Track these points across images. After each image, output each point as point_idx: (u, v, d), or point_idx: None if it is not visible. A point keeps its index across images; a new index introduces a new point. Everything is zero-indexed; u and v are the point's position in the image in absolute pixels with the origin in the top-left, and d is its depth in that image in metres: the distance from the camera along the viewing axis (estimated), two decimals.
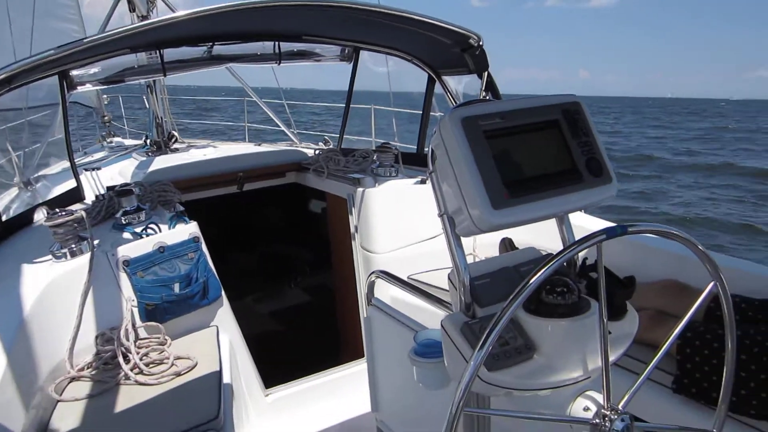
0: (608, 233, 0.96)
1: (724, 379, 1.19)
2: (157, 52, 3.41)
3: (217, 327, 2.52)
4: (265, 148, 4.60)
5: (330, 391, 2.95)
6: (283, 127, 5.67)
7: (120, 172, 3.91)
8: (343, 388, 2.96)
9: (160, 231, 2.53)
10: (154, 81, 4.90)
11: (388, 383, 2.28)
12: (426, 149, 3.83)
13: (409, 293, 1.91)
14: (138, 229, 2.52)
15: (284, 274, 4.54)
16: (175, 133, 5.07)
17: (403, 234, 3.13)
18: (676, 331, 1.09)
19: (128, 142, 5.99)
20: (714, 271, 1.08)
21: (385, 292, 2.68)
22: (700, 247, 1.05)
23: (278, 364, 2.95)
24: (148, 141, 4.98)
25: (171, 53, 3.52)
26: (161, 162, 3.89)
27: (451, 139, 1.07)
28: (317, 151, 3.90)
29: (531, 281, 0.91)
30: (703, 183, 20.67)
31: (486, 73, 3.32)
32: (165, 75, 3.61)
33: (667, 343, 1.08)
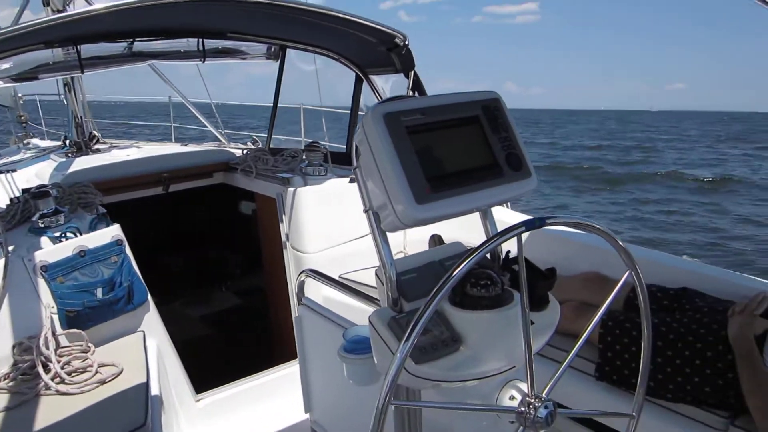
0: (527, 225, 0.98)
1: (641, 364, 1.24)
2: (74, 47, 3.26)
3: (143, 332, 2.45)
4: (192, 148, 4.50)
5: (263, 393, 2.91)
6: (210, 127, 5.55)
7: (37, 174, 3.74)
8: (277, 390, 2.93)
9: (80, 234, 2.44)
10: (73, 79, 4.70)
11: (321, 383, 2.28)
12: None
13: (340, 292, 1.91)
14: (56, 233, 2.42)
15: (215, 277, 4.45)
16: (97, 134, 4.87)
17: (333, 233, 3.13)
18: (595, 320, 1.12)
19: (46, 143, 5.72)
20: (629, 262, 1.12)
21: (317, 292, 2.67)
22: (615, 238, 1.09)
23: (210, 368, 2.89)
24: (68, 142, 4.77)
25: (89, 49, 3.38)
26: (81, 163, 3.75)
27: (374, 135, 1.07)
28: (245, 151, 3.84)
29: (453, 274, 0.92)
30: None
31: (412, 72, 3.36)
32: (83, 72, 3.46)
33: (587, 332, 1.12)
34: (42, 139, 6.37)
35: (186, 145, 4.84)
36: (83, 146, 4.56)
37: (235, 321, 4.15)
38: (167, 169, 3.64)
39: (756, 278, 2.48)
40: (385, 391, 0.88)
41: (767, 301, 2.01)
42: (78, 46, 3.26)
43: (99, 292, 2.31)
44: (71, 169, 3.43)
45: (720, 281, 2.41)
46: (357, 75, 3.74)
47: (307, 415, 2.37)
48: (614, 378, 2.15)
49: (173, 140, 6.47)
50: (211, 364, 2.92)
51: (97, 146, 4.65)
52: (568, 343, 2.23)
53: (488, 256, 1.34)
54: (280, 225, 3.14)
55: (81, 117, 4.86)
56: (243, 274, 4.40)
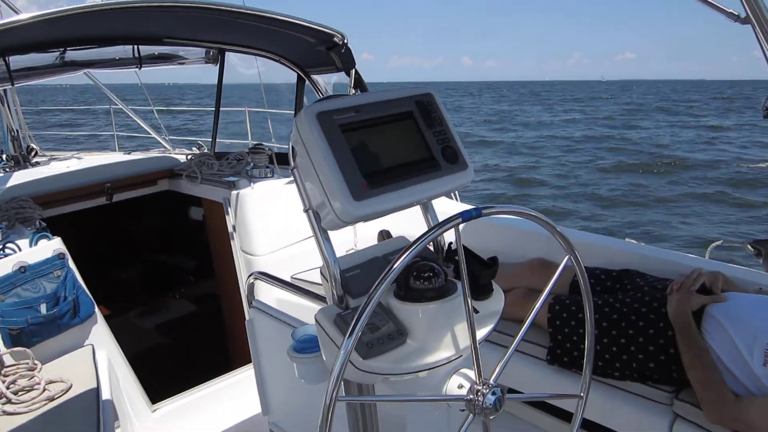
0: (464, 216, 0.99)
1: (586, 345, 1.28)
2: (2, 59, 3.15)
3: (92, 346, 2.40)
4: (135, 156, 4.41)
5: (220, 399, 2.89)
6: (153, 134, 5.46)
7: None
8: (234, 395, 2.91)
9: (20, 250, 2.37)
10: (5, 91, 4.56)
11: (277, 384, 2.27)
12: None
13: (290, 293, 1.91)
14: None
15: (167, 286, 4.38)
16: (35, 146, 4.74)
17: (282, 234, 3.12)
18: (537, 304, 1.15)
19: None
20: (567, 246, 1.14)
21: (269, 294, 2.66)
22: (552, 224, 1.11)
23: (165, 377, 2.85)
24: (4, 156, 4.62)
25: (18, 60, 3.27)
26: (19, 177, 3.63)
27: (308, 134, 1.08)
28: (189, 157, 3.79)
29: (393, 267, 0.93)
30: None
31: (353, 70, 3.36)
32: (13, 84, 3.34)
33: (530, 316, 1.14)
34: None
35: (129, 153, 4.75)
36: (21, 160, 4.43)
37: (189, 328, 4.10)
38: (110, 179, 3.56)
39: (692, 256, 2.59)
40: (332, 387, 0.88)
41: (702, 278, 2.09)
42: (6, 58, 3.15)
43: (43, 308, 2.25)
44: (8, 184, 3.32)
45: (659, 261, 2.50)
46: (299, 75, 3.73)
47: (265, 417, 2.37)
48: (565, 360, 2.21)
49: (117, 149, 6.34)
50: (167, 373, 2.88)
51: (36, 159, 4.53)
52: (516, 329, 2.29)
53: (432, 248, 1.37)
54: (229, 229, 3.11)
55: (17, 130, 4.72)
56: (196, 281, 4.35)
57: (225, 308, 3.88)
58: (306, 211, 1.16)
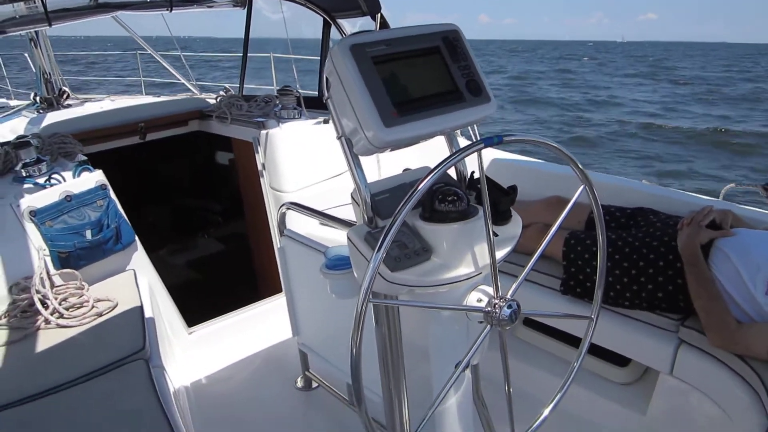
0: (486, 142, 1.07)
1: (598, 268, 1.37)
2: (38, 0, 3.24)
3: (134, 270, 2.56)
4: (165, 98, 4.53)
5: (252, 324, 3.06)
6: (182, 79, 5.54)
7: (11, 130, 3.76)
8: (264, 320, 3.08)
9: (64, 181, 2.52)
10: (37, 33, 4.65)
11: (306, 307, 2.42)
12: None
13: (320, 223, 2.02)
14: (41, 180, 2.50)
15: (196, 226, 4.54)
16: (67, 89, 4.86)
17: (310, 172, 3.23)
18: (553, 228, 1.23)
19: (14, 102, 5.68)
20: (582, 176, 1.22)
21: (298, 228, 2.80)
22: (568, 154, 1.18)
23: (198, 307, 3.02)
24: (38, 98, 4.75)
25: (54, 2, 3.37)
26: (56, 117, 3.78)
27: (342, 65, 1.15)
28: (218, 98, 3.89)
29: (419, 187, 1.01)
30: None
31: (379, 15, 3.41)
32: (50, 25, 3.44)
33: (547, 237, 1.23)
34: (9, 98, 6.30)
35: (159, 96, 4.86)
36: (54, 102, 4.54)
37: (219, 265, 4.26)
38: (143, 119, 3.68)
39: (703, 196, 2.67)
40: (365, 289, 0.97)
41: (713, 214, 2.19)
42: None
43: (88, 234, 2.41)
44: (46, 122, 3.47)
45: (673, 201, 2.59)
46: (324, 20, 3.78)
47: (295, 339, 2.53)
48: (578, 291, 2.33)
49: (144, 93, 6.45)
50: (200, 303, 3.05)
51: (68, 102, 4.65)
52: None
53: (455, 177, 1.47)
54: (258, 167, 3.23)
55: (49, 73, 4.83)
56: (225, 222, 4.49)
57: (254, 244, 4.03)
58: (339, 138, 1.24)
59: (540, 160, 3.39)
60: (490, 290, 1.23)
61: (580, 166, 1.20)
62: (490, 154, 3.35)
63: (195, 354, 2.85)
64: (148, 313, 2.22)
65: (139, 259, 2.64)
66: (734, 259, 2.02)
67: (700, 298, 2.01)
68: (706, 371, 2.00)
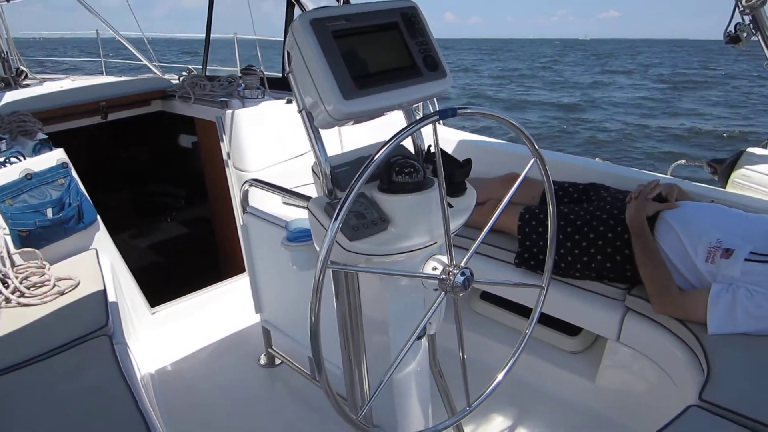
0: (440, 115, 1.11)
1: (549, 238, 1.43)
2: None
3: (96, 250, 2.57)
4: (127, 78, 4.48)
5: (215, 303, 3.09)
6: (144, 60, 5.48)
7: None
8: (228, 299, 3.11)
9: (24, 159, 2.51)
10: None
11: (269, 284, 2.46)
12: None
13: (283, 200, 2.06)
14: (0, 159, 2.49)
15: (159, 209, 4.53)
16: (25, 69, 4.78)
17: (274, 151, 3.25)
18: (506, 199, 1.28)
19: None
20: (533, 148, 1.27)
21: (261, 206, 2.83)
22: (520, 128, 1.22)
23: (161, 288, 3.03)
24: None
25: None
26: (15, 95, 3.72)
27: (303, 40, 1.19)
28: (181, 78, 3.87)
29: (375, 158, 1.04)
30: None
31: None
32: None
33: (500, 207, 1.27)
34: None
35: (120, 77, 4.81)
36: (11, 81, 4.47)
37: (182, 248, 4.26)
38: (105, 98, 3.66)
39: (652, 173, 2.78)
40: (322, 259, 0.99)
41: (660, 188, 2.28)
42: None
43: (49, 212, 2.41)
44: (5, 101, 3.42)
45: (623, 177, 2.69)
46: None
47: (258, 316, 2.57)
48: (531, 263, 2.42)
49: (105, 74, 6.35)
50: (163, 285, 3.06)
51: (26, 81, 4.58)
52: (492, 236, 2.48)
53: (412, 151, 1.52)
54: (222, 147, 3.24)
55: (6, 52, 4.74)
56: (189, 205, 4.49)
57: (217, 227, 4.04)
58: (300, 111, 1.28)
59: (499, 140, 3.47)
60: (445, 259, 1.27)
61: (532, 140, 1.24)
62: (450, 134, 3.42)
63: (158, 334, 2.87)
64: (110, 292, 2.23)
65: (102, 238, 2.64)
66: (677, 229, 2.12)
67: (646, 267, 2.11)
68: (651, 337, 2.11)
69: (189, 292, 3.10)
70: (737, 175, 2.96)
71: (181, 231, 4.48)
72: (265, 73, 3.65)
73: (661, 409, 1.64)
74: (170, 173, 4.42)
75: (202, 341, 2.88)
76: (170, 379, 2.63)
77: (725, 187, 3.01)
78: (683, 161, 3.41)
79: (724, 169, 3.05)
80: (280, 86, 3.71)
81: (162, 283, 3.09)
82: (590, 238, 2.27)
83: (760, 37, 2.91)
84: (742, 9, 2.77)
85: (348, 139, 3.34)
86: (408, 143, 1.44)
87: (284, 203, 2.68)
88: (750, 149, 3.08)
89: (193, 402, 2.48)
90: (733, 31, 2.85)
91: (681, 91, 30.07)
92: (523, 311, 2.61)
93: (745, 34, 2.83)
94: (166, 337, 2.87)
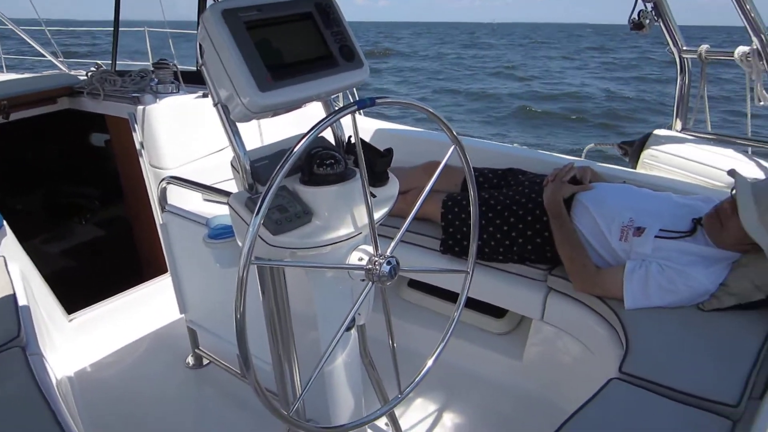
0: (359, 104, 1.11)
1: (472, 221, 1.45)
2: None
3: (4, 257, 2.43)
4: (30, 75, 4.24)
5: (137, 306, 2.98)
6: (48, 55, 5.20)
7: None
8: (150, 301, 3.01)
9: None
10: None
11: (192, 283, 2.40)
12: None
13: (204, 197, 2.01)
14: None
15: (72, 212, 4.32)
16: None
17: (192, 147, 3.16)
18: (428, 187, 1.29)
19: None
20: (451, 135, 1.28)
21: (181, 204, 2.75)
22: (439, 116, 1.23)
23: (78, 294, 2.90)
24: None
25: None
26: None
27: (214, 30, 1.15)
28: (89, 74, 3.70)
29: (294, 150, 1.02)
30: None
31: None
32: None
33: (423, 196, 1.29)
34: None
35: (23, 74, 4.55)
36: None
37: (99, 251, 4.09)
38: (5, 96, 3.44)
39: (567, 156, 2.89)
40: (245, 255, 0.97)
41: (574, 171, 2.37)
42: None
43: None
44: None
45: (540, 161, 2.78)
46: None
47: (183, 317, 2.51)
48: (456, 249, 2.46)
49: (5, 70, 5.98)
50: (80, 291, 2.93)
51: None
52: (417, 224, 2.51)
53: (333, 142, 1.51)
54: (136, 144, 3.12)
55: None
56: (104, 206, 4.30)
57: (136, 227, 3.90)
58: (215, 105, 1.24)
59: (418, 129, 3.51)
60: (371, 249, 1.27)
61: (450, 127, 1.26)
62: (370, 124, 3.43)
63: (77, 341, 2.74)
64: (21, 301, 2.11)
65: (9, 245, 2.50)
66: (592, 210, 2.21)
67: (564, 248, 2.19)
68: (572, 314, 2.19)
69: (109, 296, 2.98)
70: (646, 156, 3.11)
71: (97, 233, 4.29)
72: (178, 66, 3.53)
73: (585, 384, 1.71)
74: (83, 173, 4.22)
75: (125, 346, 2.78)
76: (93, 387, 2.53)
77: (635, 168, 3.16)
78: (595, 144, 3.56)
79: (633, 150, 3.20)
80: (195, 80, 3.59)
81: (79, 288, 2.95)
82: (511, 222, 2.33)
83: (661, 24, 3.06)
84: None
85: (268, 132, 3.29)
86: (329, 135, 1.43)
87: (205, 200, 2.62)
88: (657, 131, 3.25)
89: (118, 409, 2.39)
90: (637, 17, 2.98)
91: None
92: (451, 297, 2.65)
93: (648, 21, 2.97)
94: (86, 344, 2.75)
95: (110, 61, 4.33)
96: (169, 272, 2.46)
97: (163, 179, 2.20)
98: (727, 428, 1.43)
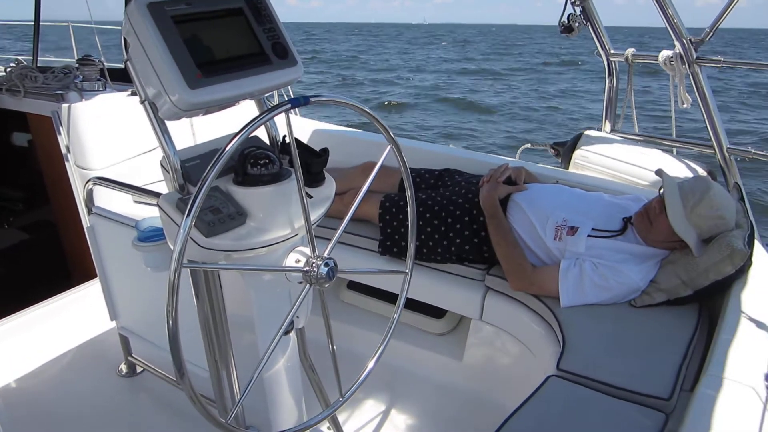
0: (292, 102, 1.07)
1: (409, 222, 1.44)
2: None
3: None
4: None
5: (64, 313, 2.85)
6: None
7: None
8: (79, 308, 2.88)
9: None
10: None
11: (123, 288, 2.31)
12: None
13: (134, 199, 1.93)
14: None
15: None
16: None
17: (121, 147, 3.05)
18: (364, 187, 1.27)
19: None
20: (388, 136, 1.27)
21: (109, 206, 2.64)
22: (374, 115, 1.20)
23: (1, 301, 2.75)
24: None
25: None
26: None
27: (140, 24, 1.10)
28: (8, 70, 3.50)
29: (225, 150, 0.98)
30: None
31: None
32: None
33: (359, 196, 1.26)
34: None
35: None
36: None
37: (23, 256, 3.89)
38: None
39: (502, 156, 2.94)
40: (176, 258, 0.93)
41: (509, 171, 2.41)
42: None
43: None
44: None
45: (476, 162, 2.82)
46: None
47: (114, 323, 2.41)
48: (394, 250, 2.46)
49: None
50: (2, 299, 2.77)
51: None
52: (355, 225, 2.49)
53: (268, 142, 1.47)
54: (61, 144, 2.98)
55: None
56: (28, 209, 4.10)
57: (62, 230, 3.73)
58: (142, 102, 1.19)
59: (355, 129, 3.50)
60: (308, 251, 1.25)
61: (386, 127, 1.24)
62: (306, 124, 3.40)
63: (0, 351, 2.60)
64: None
65: None
66: (527, 210, 2.25)
67: (500, 247, 2.22)
68: (510, 313, 2.23)
69: (34, 303, 2.83)
70: (577, 156, 3.20)
71: (21, 237, 4.08)
72: (105, 63, 3.39)
73: (526, 381, 1.74)
74: (5, 175, 4.00)
75: (53, 355, 2.64)
76: (17, 400, 2.39)
77: (567, 168, 3.24)
78: (529, 145, 3.63)
79: (565, 151, 3.29)
80: (123, 78, 3.46)
81: (2, 296, 2.80)
82: (448, 222, 2.35)
83: (590, 27, 3.15)
84: (573, 0, 2.98)
85: (201, 131, 3.20)
86: (264, 135, 1.39)
87: (135, 202, 2.53)
88: (587, 132, 3.34)
89: (47, 425, 2.27)
90: (567, 21, 3.06)
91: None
92: (391, 298, 2.65)
93: (577, 24, 3.06)
94: (9, 354, 2.60)
95: (31, 57, 4.14)
96: (98, 277, 2.36)
97: (89, 180, 2.10)
98: (661, 421, 1.48)
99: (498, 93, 24.30)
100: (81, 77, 3.19)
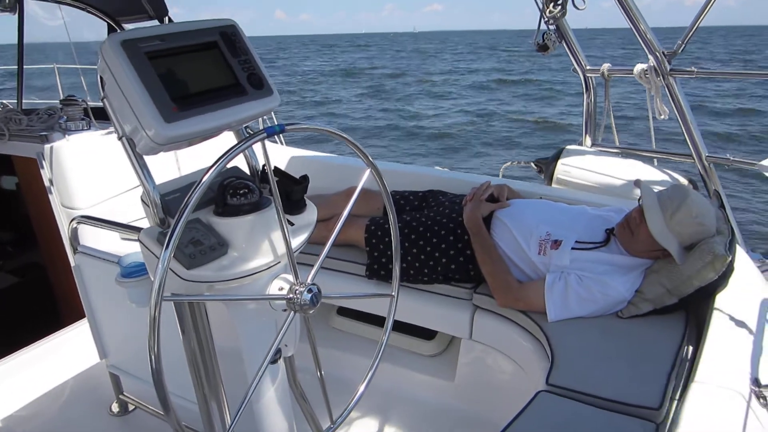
0: (268, 131, 1.09)
1: (393, 244, 1.46)
2: None
3: None
4: None
5: (55, 354, 2.83)
6: None
7: None
8: (69, 349, 2.87)
9: None
10: None
11: (111, 326, 2.30)
12: None
13: (121, 236, 1.93)
14: None
15: None
16: None
17: (105, 186, 3.05)
18: (345, 212, 1.29)
19: None
20: (366, 160, 1.29)
21: (95, 244, 2.64)
22: (352, 141, 1.23)
23: None
24: None
25: None
26: None
27: (114, 62, 1.11)
28: None
29: (202, 180, 1.00)
30: None
31: (166, 18, 3.31)
32: None
33: (341, 220, 1.28)
34: None
35: None
36: None
37: (13, 299, 3.87)
38: None
39: (484, 175, 2.97)
40: (156, 291, 0.95)
41: (491, 189, 2.43)
42: None
43: None
44: None
45: (459, 181, 2.84)
46: (109, 25, 3.59)
47: (104, 362, 2.40)
48: (381, 273, 2.46)
49: None
50: None
51: None
52: (342, 250, 2.50)
53: (249, 172, 1.49)
54: (46, 184, 2.99)
55: None
56: (17, 252, 4.09)
57: (51, 271, 3.72)
58: (120, 138, 1.20)
59: (339, 155, 3.53)
60: (291, 278, 1.25)
61: (365, 152, 1.26)
62: (286, 151, 3.42)
63: None
64: None
65: None
66: (510, 226, 2.27)
67: (485, 265, 2.23)
68: (499, 331, 2.23)
69: (25, 345, 2.82)
70: (559, 172, 3.23)
71: (11, 281, 4.06)
72: (89, 103, 3.41)
73: (517, 398, 1.74)
74: None
75: (44, 396, 2.62)
76: None
77: (550, 184, 3.27)
78: (512, 162, 3.67)
79: (547, 166, 3.32)
80: (107, 116, 3.47)
81: None
82: (433, 242, 2.36)
83: (565, 44, 3.21)
84: (546, 19, 3.03)
85: (185, 163, 3.22)
86: (243, 165, 1.41)
87: (122, 239, 2.53)
88: (568, 147, 3.38)
89: None
90: (542, 40, 3.11)
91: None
92: (381, 322, 2.62)
93: (552, 41, 3.11)
94: (1, 397, 2.58)
95: (15, 100, 4.16)
96: (86, 316, 2.35)
97: (73, 219, 2.11)
98: (651, 430, 1.48)
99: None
100: (65, 117, 3.20)
